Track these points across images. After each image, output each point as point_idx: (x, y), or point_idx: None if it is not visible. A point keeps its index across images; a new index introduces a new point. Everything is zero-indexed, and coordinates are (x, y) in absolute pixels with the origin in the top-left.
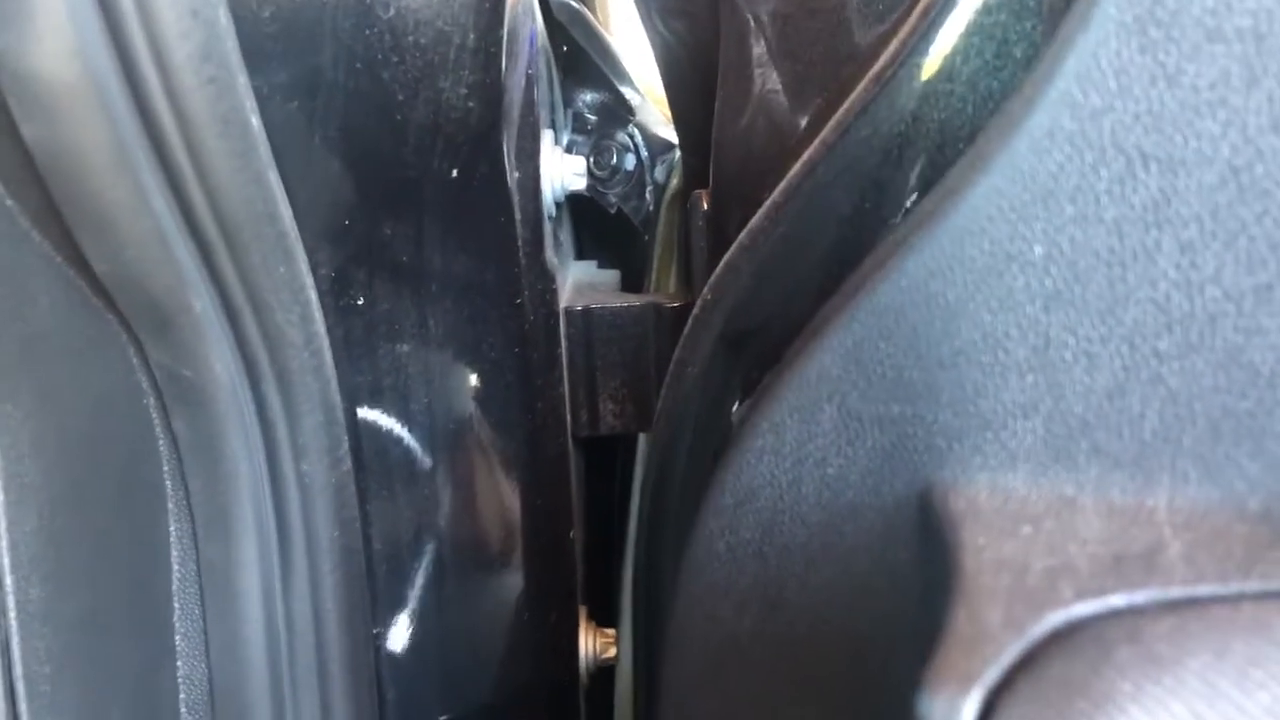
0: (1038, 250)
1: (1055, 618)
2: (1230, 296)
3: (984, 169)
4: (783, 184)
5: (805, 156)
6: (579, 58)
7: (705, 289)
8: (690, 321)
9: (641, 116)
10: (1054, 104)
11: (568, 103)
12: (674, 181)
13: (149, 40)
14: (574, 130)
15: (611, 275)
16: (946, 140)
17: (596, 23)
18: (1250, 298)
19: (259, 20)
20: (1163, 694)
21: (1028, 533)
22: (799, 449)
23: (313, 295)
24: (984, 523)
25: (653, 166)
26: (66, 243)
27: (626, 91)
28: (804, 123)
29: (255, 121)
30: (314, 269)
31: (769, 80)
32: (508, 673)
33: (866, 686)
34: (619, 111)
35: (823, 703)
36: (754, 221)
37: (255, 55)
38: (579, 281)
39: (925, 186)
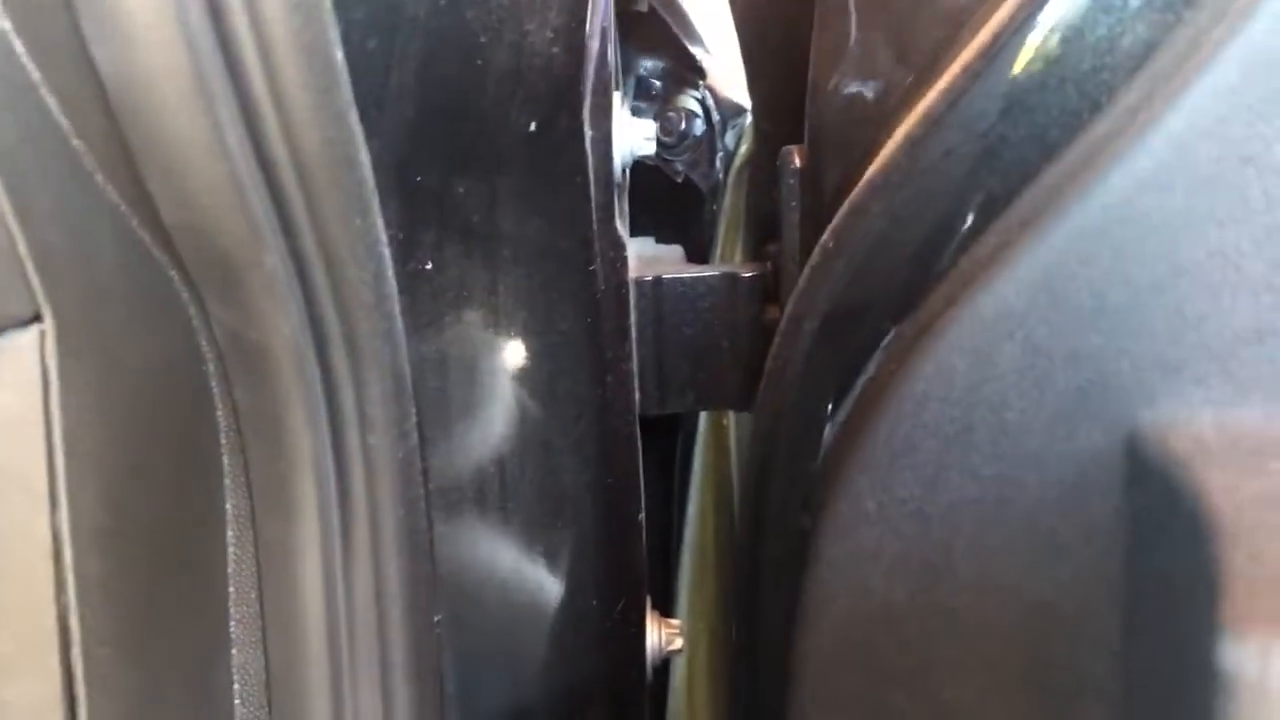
0: None
1: None
2: None
3: (1208, 66)
4: (918, 116)
5: (945, 84)
6: (644, 18)
7: (825, 237)
8: (808, 273)
9: (712, 79)
10: None
11: (630, 67)
12: (743, 148)
13: None
14: (636, 96)
15: (674, 249)
16: (1119, 58)
17: None
18: None
19: None
20: None
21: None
22: (971, 394)
23: (386, 252)
24: (1222, 461)
25: (723, 132)
26: (133, 189)
27: (696, 52)
28: (921, 58)
29: (339, 55)
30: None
31: (874, 19)
32: (574, 663)
33: (1044, 657)
34: (687, 74)
35: (989, 678)
36: (884, 158)
37: None
38: (642, 255)
39: (1103, 101)
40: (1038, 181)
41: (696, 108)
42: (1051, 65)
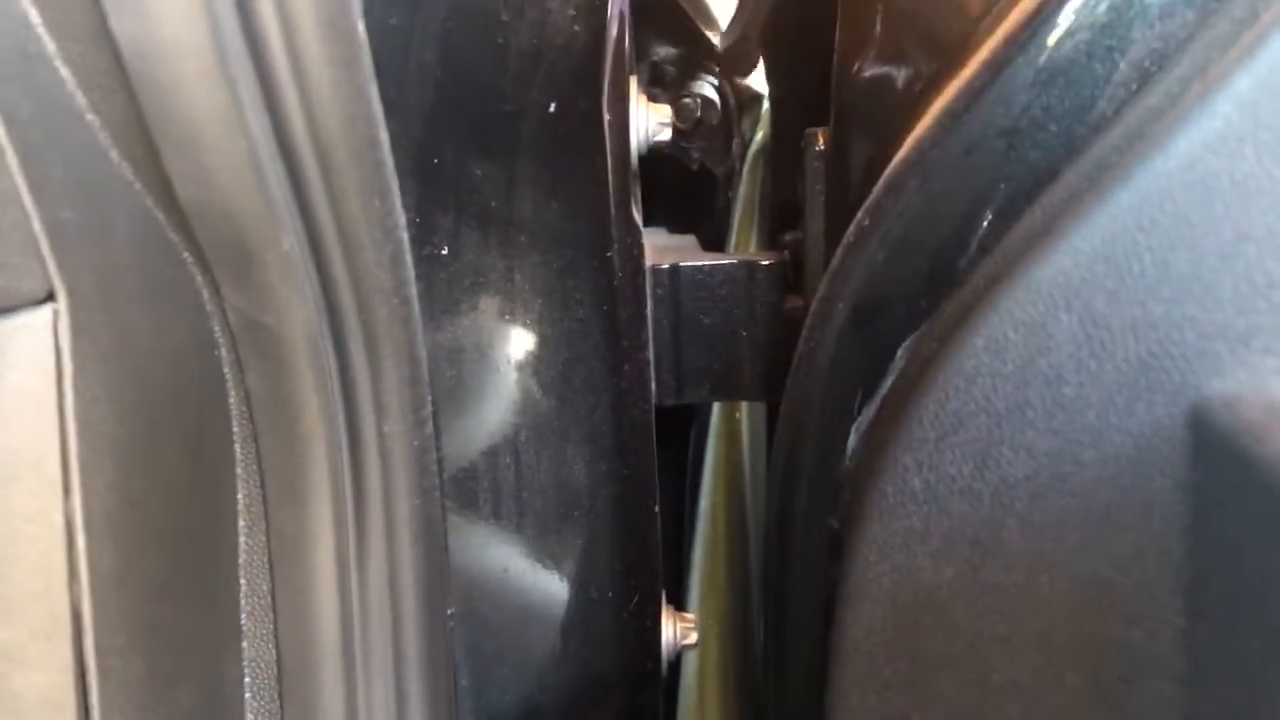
0: None
1: None
2: None
3: (1278, 26)
4: (958, 89)
5: (986, 55)
6: (659, 2)
7: (860, 215)
8: (841, 252)
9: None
10: None
11: (644, 53)
12: (759, 135)
13: None
14: (651, 82)
15: (689, 239)
16: (1173, 26)
17: None
18: None
19: None
20: None
21: None
22: (1025, 368)
23: (404, 236)
24: None
25: (739, 119)
26: (149, 167)
27: (714, 38)
28: (951, 37)
29: (361, 29)
30: None
31: (899, 2)
32: (588, 657)
33: (1101, 637)
34: (703, 60)
35: (1041, 659)
36: (922, 133)
37: None
38: (657, 244)
39: (1156, 69)
40: (1087, 153)
41: (712, 94)
42: (1099, 35)
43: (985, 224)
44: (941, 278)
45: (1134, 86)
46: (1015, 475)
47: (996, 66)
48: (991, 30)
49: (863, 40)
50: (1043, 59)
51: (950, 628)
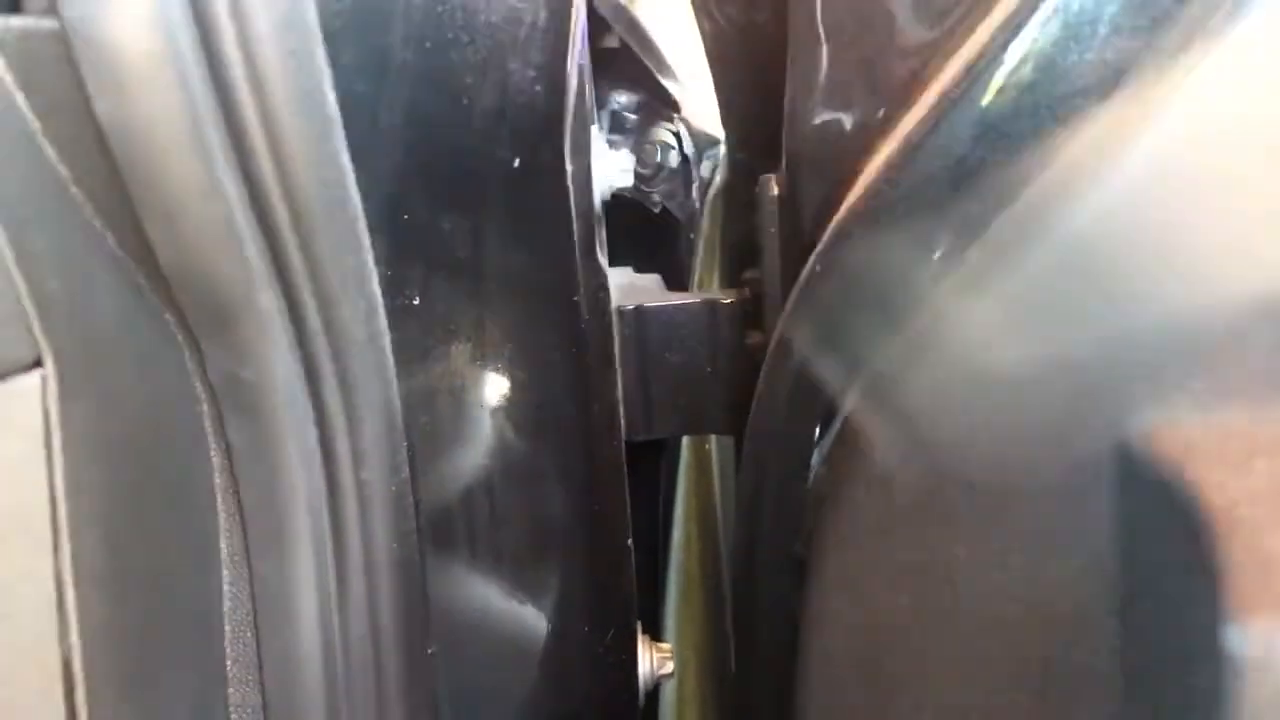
0: None
1: None
2: None
3: (1178, 88)
4: (899, 142)
5: (923, 111)
6: (619, 54)
7: (812, 261)
8: (795, 295)
9: (686, 111)
10: None
11: (604, 102)
12: (718, 178)
13: (231, 7)
14: (612, 130)
15: (653, 278)
16: (1091, 82)
17: (637, 15)
18: None
19: None
20: None
21: (1265, 467)
22: (965, 405)
23: (377, 290)
24: (1212, 461)
25: (698, 162)
26: (131, 235)
27: (670, 86)
28: (892, 89)
29: (332, 99)
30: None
31: (845, 51)
32: (566, 691)
33: (1046, 658)
34: (661, 107)
35: (993, 682)
36: (867, 183)
37: (324, 32)
38: (622, 284)
39: (1077, 124)
40: (1017, 202)
41: (671, 140)
42: (1025, 92)
43: (924, 269)
44: (887, 321)
45: (1060, 140)
46: (960, 506)
47: (934, 121)
48: (924, 88)
49: (811, 88)
50: (976, 114)
51: (906, 652)
